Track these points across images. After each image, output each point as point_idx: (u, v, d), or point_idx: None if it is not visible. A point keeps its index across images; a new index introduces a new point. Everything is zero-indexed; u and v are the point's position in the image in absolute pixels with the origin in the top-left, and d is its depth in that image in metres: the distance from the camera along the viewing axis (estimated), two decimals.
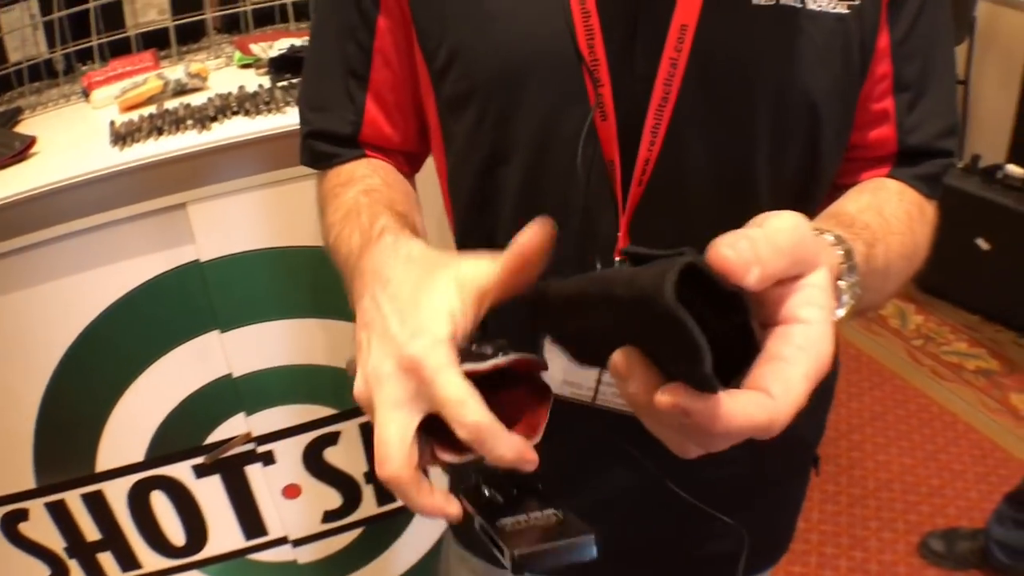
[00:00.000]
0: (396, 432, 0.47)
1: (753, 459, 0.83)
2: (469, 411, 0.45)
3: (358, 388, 0.50)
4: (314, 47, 0.84)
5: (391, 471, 0.47)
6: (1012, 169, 2.74)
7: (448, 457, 0.48)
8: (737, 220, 0.71)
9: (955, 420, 2.49)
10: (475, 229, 0.80)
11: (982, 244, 2.75)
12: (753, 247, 0.38)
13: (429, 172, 0.88)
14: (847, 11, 0.67)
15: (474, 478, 0.51)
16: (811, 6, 0.66)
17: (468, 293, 0.49)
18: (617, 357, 0.42)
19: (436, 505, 0.48)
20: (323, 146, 0.82)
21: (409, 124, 0.82)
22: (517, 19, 0.68)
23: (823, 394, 0.91)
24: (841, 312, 0.53)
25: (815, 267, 0.42)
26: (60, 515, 1.46)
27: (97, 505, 1.47)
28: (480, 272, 0.50)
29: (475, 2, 0.69)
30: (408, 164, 0.86)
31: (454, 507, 0.49)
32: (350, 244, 0.67)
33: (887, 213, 0.70)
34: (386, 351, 0.48)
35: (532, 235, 0.49)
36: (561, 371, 0.75)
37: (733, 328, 0.40)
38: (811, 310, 0.41)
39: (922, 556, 2.07)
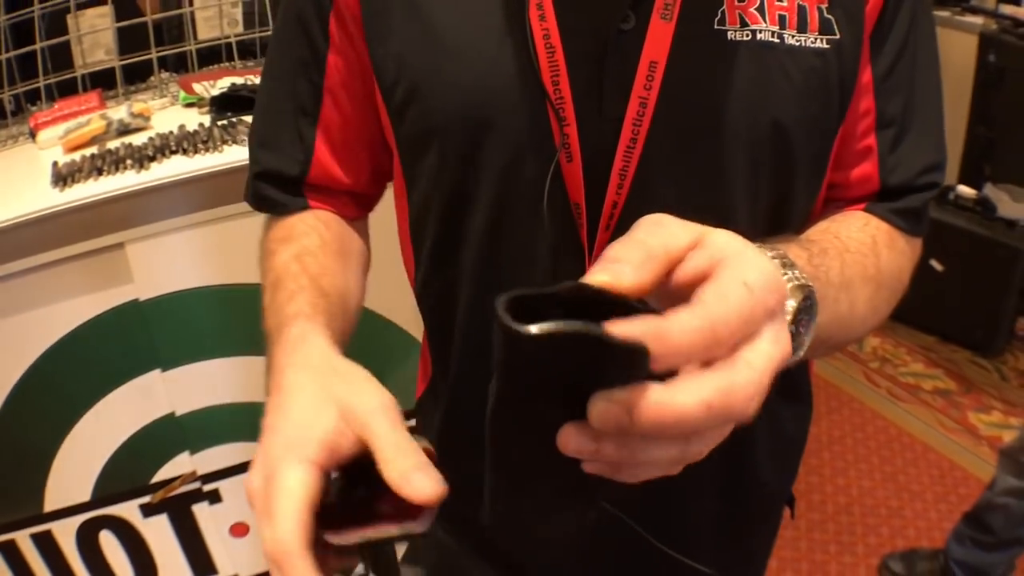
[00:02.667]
0: (297, 486, 0.44)
1: (722, 507, 0.81)
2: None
3: (252, 482, 0.48)
4: (266, 83, 0.81)
5: (282, 533, 0.43)
6: (963, 190, 2.78)
7: (336, 538, 0.46)
8: None
9: (913, 441, 2.50)
10: (436, 278, 0.77)
11: (936, 265, 2.78)
12: (619, 258, 0.39)
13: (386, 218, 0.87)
14: (827, 47, 0.64)
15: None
16: (789, 41, 0.63)
17: (352, 422, 0.48)
18: (570, 438, 0.37)
19: None
20: (270, 191, 0.79)
21: (361, 165, 0.79)
22: (477, 55, 0.65)
23: (794, 442, 0.88)
24: (790, 304, 0.48)
25: (705, 233, 0.41)
26: (11, 556, 1.45)
27: (47, 545, 1.47)
28: (367, 407, 0.48)
29: (433, 38, 0.66)
30: (358, 207, 0.84)
31: None
32: (268, 324, 0.65)
33: (844, 236, 0.67)
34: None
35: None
36: None
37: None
38: (723, 250, 0.39)
39: None
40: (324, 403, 0.49)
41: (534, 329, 0.34)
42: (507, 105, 0.65)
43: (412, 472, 0.45)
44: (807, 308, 0.49)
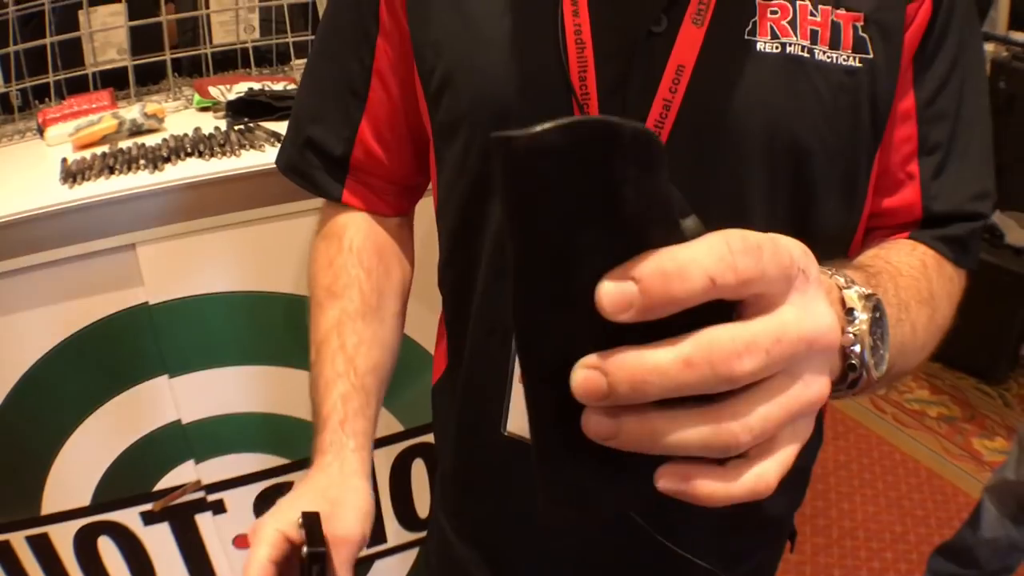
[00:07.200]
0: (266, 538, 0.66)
1: (721, 535, 0.80)
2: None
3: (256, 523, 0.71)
4: (315, 63, 0.83)
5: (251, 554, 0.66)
6: None
7: None
8: None
9: (918, 467, 2.48)
10: (456, 259, 0.79)
11: None
12: None
13: None
14: (859, 65, 0.63)
15: None
16: (820, 57, 0.62)
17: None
18: (589, 419, 0.32)
19: None
20: (314, 167, 0.83)
21: (404, 150, 0.81)
22: (509, 46, 0.66)
23: (800, 473, 0.87)
24: (862, 316, 0.45)
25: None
26: (6, 557, 1.41)
27: (43, 548, 1.43)
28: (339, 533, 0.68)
29: (469, 27, 0.68)
30: (401, 198, 0.86)
31: None
32: (312, 392, 0.78)
33: (894, 260, 0.66)
34: None
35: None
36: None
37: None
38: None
39: None
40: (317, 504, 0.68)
41: (534, 129, 0.30)
42: (532, 97, 0.66)
43: None
44: (878, 320, 0.47)
